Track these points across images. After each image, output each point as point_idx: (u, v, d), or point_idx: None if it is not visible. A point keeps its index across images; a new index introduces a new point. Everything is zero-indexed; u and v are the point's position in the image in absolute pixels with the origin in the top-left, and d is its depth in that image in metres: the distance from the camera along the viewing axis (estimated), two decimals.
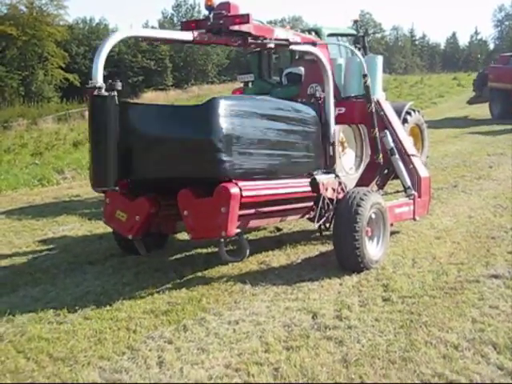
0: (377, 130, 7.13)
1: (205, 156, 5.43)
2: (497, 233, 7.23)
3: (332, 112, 6.85)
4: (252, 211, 5.76)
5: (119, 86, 5.28)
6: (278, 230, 7.89)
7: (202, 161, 5.46)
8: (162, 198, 5.92)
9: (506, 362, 3.97)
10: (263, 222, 6.35)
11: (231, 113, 5.52)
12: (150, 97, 46.42)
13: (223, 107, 5.46)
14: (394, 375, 3.87)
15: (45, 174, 13.82)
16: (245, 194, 5.42)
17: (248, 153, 5.63)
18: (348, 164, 10.18)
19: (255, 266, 6.40)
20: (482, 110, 23.21)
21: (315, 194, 6.30)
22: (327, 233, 6.74)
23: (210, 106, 5.50)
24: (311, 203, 6.48)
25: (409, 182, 7.10)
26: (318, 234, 7.07)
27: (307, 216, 6.79)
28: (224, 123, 5.40)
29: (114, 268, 6.55)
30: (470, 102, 25.08)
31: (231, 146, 5.45)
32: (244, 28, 5.92)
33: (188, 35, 5.78)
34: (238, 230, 5.60)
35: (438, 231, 7.47)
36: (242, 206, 5.46)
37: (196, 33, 5.84)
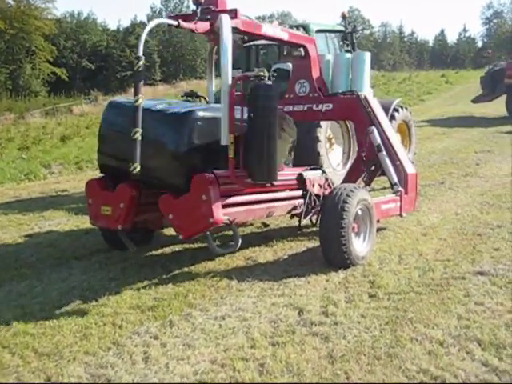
0: None
1: (175, 167, 5.59)
2: (483, 230, 7.27)
3: None
4: (235, 200, 5.78)
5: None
6: (266, 225, 7.86)
7: (173, 170, 5.61)
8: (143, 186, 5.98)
9: (491, 358, 4.00)
10: (250, 215, 6.30)
11: (204, 127, 5.61)
12: None
13: (198, 121, 5.58)
14: (380, 371, 3.88)
15: (32, 169, 13.72)
16: (220, 175, 5.52)
17: (220, 166, 5.67)
18: (335, 160, 10.21)
19: (242, 261, 6.40)
20: (482, 108, 23.31)
21: (297, 186, 6.34)
22: (314, 229, 6.74)
23: (184, 119, 5.61)
24: (295, 194, 6.50)
25: (395, 179, 7.10)
26: (304, 230, 7.06)
27: (294, 212, 6.80)
28: (196, 138, 5.54)
29: (100, 263, 6.51)
30: (476, 100, 23.79)
31: (202, 158, 5.59)
32: (231, 23, 5.89)
33: None
34: (227, 217, 5.60)
35: (425, 228, 7.50)
36: (222, 191, 5.53)
37: None
